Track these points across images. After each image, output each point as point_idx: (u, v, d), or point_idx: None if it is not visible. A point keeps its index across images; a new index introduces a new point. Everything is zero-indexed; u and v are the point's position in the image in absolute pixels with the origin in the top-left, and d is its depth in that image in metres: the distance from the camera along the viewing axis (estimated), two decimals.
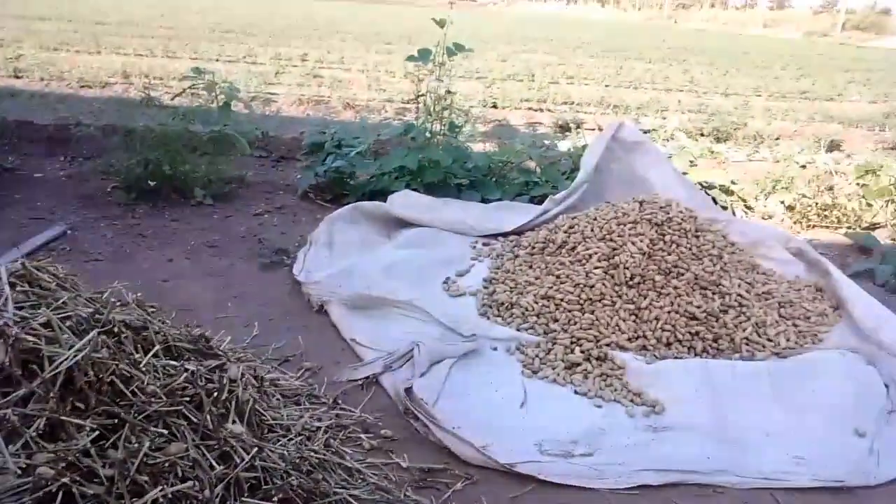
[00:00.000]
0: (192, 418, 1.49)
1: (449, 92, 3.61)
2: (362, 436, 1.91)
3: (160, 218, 3.55)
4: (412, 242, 3.25)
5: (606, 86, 10.49)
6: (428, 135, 3.68)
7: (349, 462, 1.79)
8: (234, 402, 1.59)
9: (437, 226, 3.42)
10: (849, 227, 3.90)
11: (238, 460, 1.50)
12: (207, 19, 18.92)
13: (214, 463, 1.45)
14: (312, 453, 1.74)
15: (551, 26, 29.94)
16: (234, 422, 1.57)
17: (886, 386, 2.30)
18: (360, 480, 1.74)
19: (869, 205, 3.96)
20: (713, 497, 1.80)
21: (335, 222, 3.41)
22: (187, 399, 1.51)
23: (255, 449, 1.53)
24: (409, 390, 2.05)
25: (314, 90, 8.33)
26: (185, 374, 1.53)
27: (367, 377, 2.21)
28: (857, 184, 4.14)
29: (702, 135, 7.15)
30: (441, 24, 3.41)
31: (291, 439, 1.76)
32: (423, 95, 3.63)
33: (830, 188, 4.16)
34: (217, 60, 10.54)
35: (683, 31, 32.48)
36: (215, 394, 1.55)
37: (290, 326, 2.54)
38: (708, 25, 38.89)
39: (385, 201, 3.53)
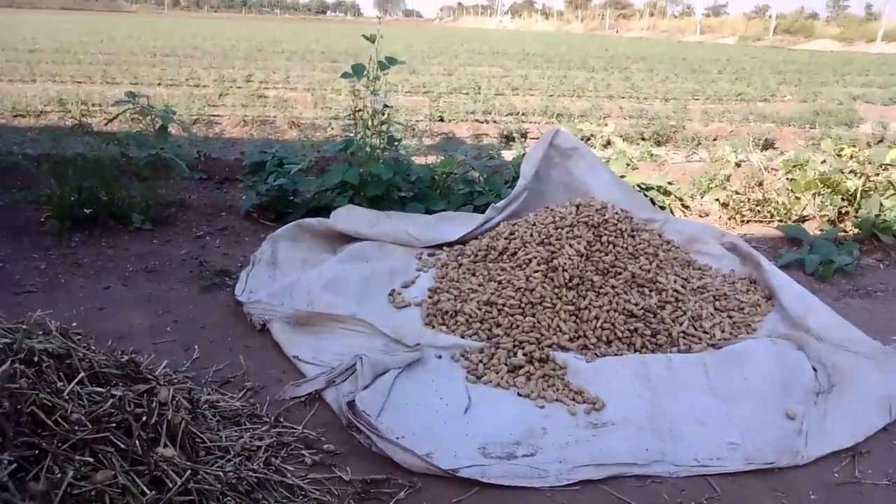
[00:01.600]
0: (121, 444, 1.46)
1: (386, 106, 3.63)
2: (304, 452, 1.90)
3: (96, 246, 3.46)
4: (356, 256, 3.25)
5: (550, 95, 10.71)
6: (368, 149, 3.69)
7: (290, 479, 1.78)
8: (165, 426, 1.56)
9: (381, 239, 3.43)
10: (780, 221, 4.07)
11: (171, 484, 1.47)
12: (147, 44, 18.61)
13: (145, 488, 1.43)
14: (251, 473, 1.72)
15: (497, 40, 30.42)
16: (165, 445, 1.54)
17: (814, 369, 2.40)
18: (301, 497, 1.73)
19: (797, 198, 4.13)
20: (651, 487, 1.84)
21: (278, 240, 3.39)
22: (114, 425, 1.48)
23: (189, 472, 1.51)
24: (351, 403, 2.04)
25: (259, 111, 8.27)
26: (111, 400, 1.50)
27: (309, 393, 2.19)
28: (787, 178, 4.32)
29: (643, 139, 7.37)
30: (371, 39, 3.44)
31: (230, 460, 1.74)
32: (360, 111, 3.64)
33: (760, 184, 4.33)
34: (158, 84, 10.38)
35: (625, 40, 33.41)
36: (144, 418, 1.52)
37: (231, 347, 2.51)
38: (648, 34, 40.13)
39: (329, 217, 3.53)
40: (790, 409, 2.19)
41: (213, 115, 7.93)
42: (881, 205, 3.86)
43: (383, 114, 3.67)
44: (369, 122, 3.61)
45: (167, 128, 3.91)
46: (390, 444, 1.91)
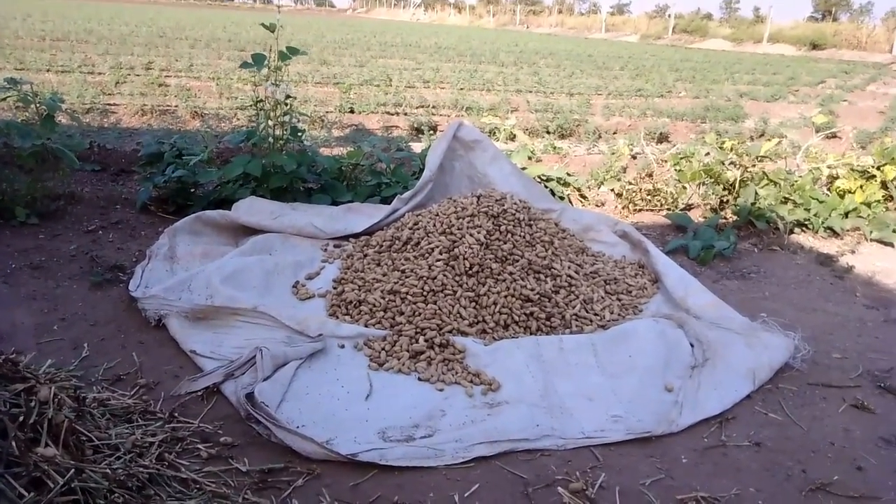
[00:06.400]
0: None
1: (289, 97, 3.59)
2: (200, 446, 1.88)
3: None
4: (259, 248, 3.21)
5: (461, 89, 10.85)
6: (271, 140, 3.64)
7: (185, 473, 1.76)
8: (46, 425, 1.51)
9: (286, 231, 3.40)
10: (668, 209, 4.34)
11: (52, 485, 1.43)
12: (35, 26, 17.34)
13: (23, 491, 1.38)
14: (142, 469, 1.69)
15: (409, 32, 30.39)
16: (46, 445, 1.49)
17: (692, 345, 2.60)
18: (196, 490, 1.72)
19: (683, 188, 4.42)
20: (540, 460, 1.95)
21: (177, 234, 3.30)
22: None
23: (73, 471, 1.47)
24: (250, 395, 2.03)
25: (159, 100, 7.93)
26: None
27: (207, 387, 2.16)
28: (675, 170, 4.61)
29: (547, 132, 7.62)
30: (271, 28, 3.39)
31: (119, 457, 1.70)
32: (261, 101, 3.58)
33: (650, 175, 4.60)
34: (47, 71, 9.74)
35: (535, 36, 34.22)
36: (22, 418, 1.46)
37: (124, 344, 2.43)
38: (556, 30, 41.26)
39: (231, 210, 3.46)
40: (669, 383, 2.37)
41: (109, 104, 7.53)
42: (756, 193, 4.20)
43: (286, 104, 3.62)
44: (271, 113, 3.55)
45: (54, 116, 3.69)
46: (289, 434, 1.92)
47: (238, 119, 7.26)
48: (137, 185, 4.23)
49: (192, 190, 3.94)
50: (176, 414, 2.01)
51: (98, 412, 1.87)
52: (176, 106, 7.60)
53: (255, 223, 3.39)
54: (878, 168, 4.47)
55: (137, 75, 9.77)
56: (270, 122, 3.59)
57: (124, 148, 5.35)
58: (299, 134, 3.78)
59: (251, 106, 3.64)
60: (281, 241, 3.33)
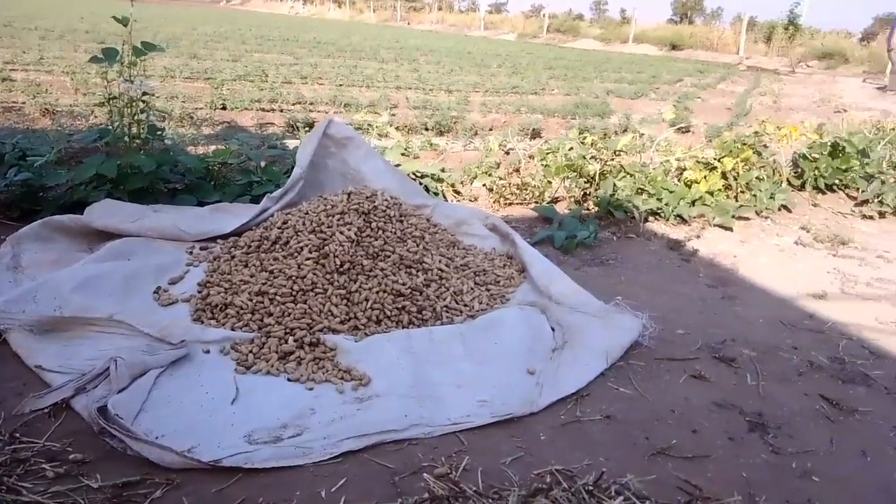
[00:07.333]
0: None
1: (146, 94, 3.41)
2: (46, 466, 1.76)
3: None
4: (117, 253, 3.04)
5: (339, 85, 10.74)
6: (127, 139, 3.44)
7: (27, 496, 1.65)
8: None
9: (146, 234, 3.24)
10: (536, 202, 4.55)
11: None
12: None
13: None
14: None
15: (287, 26, 29.59)
16: None
17: (553, 329, 2.77)
18: None
19: (549, 182, 4.66)
20: (408, 450, 2.00)
21: (22, 241, 3.06)
22: None
23: None
24: (102, 409, 1.94)
25: (3, 96, 7.22)
26: None
27: (55, 403, 2.03)
28: (542, 164, 4.84)
29: (426, 129, 7.72)
30: (124, 21, 3.20)
31: None
32: (114, 98, 3.38)
33: (517, 170, 4.81)
34: None
35: (416, 33, 34.44)
36: None
37: None
38: (437, 27, 41.75)
39: (83, 214, 3.24)
40: (532, 366, 2.50)
41: None
42: (615, 185, 4.50)
43: (143, 102, 3.44)
44: (125, 111, 3.36)
45: None
46: (146, 445, 1.85)
47: (96, 117, 6.76)
48: None
49: (41, 194, 3.64)
50: (17, 434, 1.87)
51: None
52: (23, 103, 6.96)
53: (111, 227, 3.20)
54: (718, 160, 4.93)
55: None
56: (126, 121, 3.39)
57: None
58: (159, 132, 3.60)
59: (103, 104, 3.43)
60: (141, 244, 3.17)
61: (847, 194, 5.60)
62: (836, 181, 5.56)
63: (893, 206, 5.17)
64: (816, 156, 5.52)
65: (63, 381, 2.14)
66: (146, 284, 2.89)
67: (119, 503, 1.70)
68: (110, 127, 3.49)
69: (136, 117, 3.40)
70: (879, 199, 5.22)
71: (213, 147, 5.25)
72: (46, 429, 1.94)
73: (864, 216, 5.15)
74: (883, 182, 5.38)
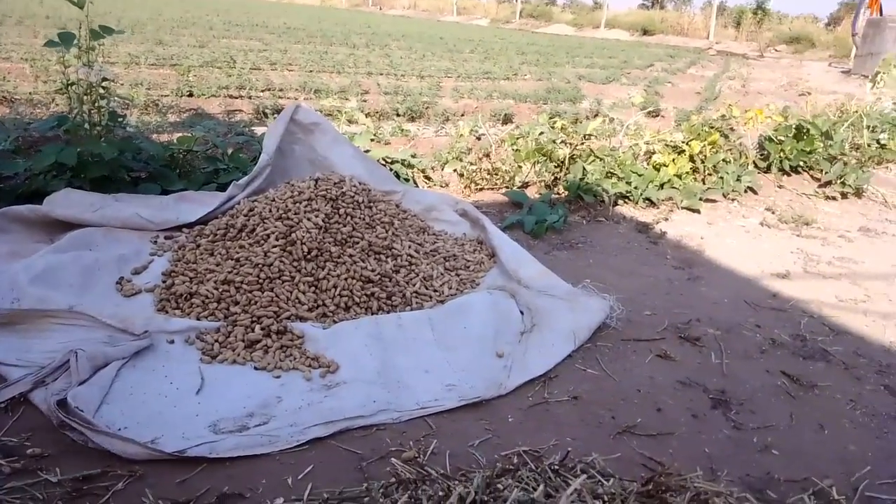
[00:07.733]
0: None
1: (105, 79, 3.32)
2: (2, 461, 1.73)
3: None
4: (77, 243, 2.96)
5: (310, 71, 10.59)
6: (87, 127, 3.36)
7: None
8: None
9: (109, 224, 3.17)
10: (506, 187, 4.56)
11: None
12: None
13: None
14: None
15: (256, 11, 29.07)
16: None
17: (522, 313, 2.78)
18: None
19: (519, 167, 4.66)
20: (376, 435, 2.00)
21: None
22: None
23: None
24: (62, 402, 1.90)
25: None
26: None
27: (12, 398, 1.99)
28: (512, 149, 4.84)
29: (397, 114, 7.66)
30: (80, 4, 3.11)
31: None
32: (73, 84, 3.29)
33: (487, 155, 4.80)
34: None
35: (388, 18, 34.10)
36: None
37: None
38: (409, 12, 41.40)
39: (42, 203, 3.16)
40: (500, 350, 2.52)
41: None
42: (584, 169, 4.52)
43: (103, 88, 3.35)
44: (84, 97, 3.27)
45: None
46: (108, 437, 1.82)
47: (57, 105, 6.58)
48: None
49: None
50: None
51: None
52: None
53: (71, 217, 3.12)
54: (686, 143, 4.98)
55: None
56: (85, 108, 3.30)
57: None
58: (120, 119, 3.51)
59: (62, 91, 3.33)
60: (103, 234, 3.10)
61: (811, 175, 5.70)
62: (801, 163, 5.65)
63: (855, 186, 5.28)
64: (782, 138, 5.61)
65: (21, 374, 2.09)
66: (108, 275, 2.83)
67: (80, 497, 1.67)
68: (69, 114, 3.39)
69: (95, 104, 3.31)
70: (842, 180, 5.33)
71: (178, 135, 5.15)
72: (3, 424, 1.90)
73: (827, 197, 5.26)
74: (845, 164, 5.49)
